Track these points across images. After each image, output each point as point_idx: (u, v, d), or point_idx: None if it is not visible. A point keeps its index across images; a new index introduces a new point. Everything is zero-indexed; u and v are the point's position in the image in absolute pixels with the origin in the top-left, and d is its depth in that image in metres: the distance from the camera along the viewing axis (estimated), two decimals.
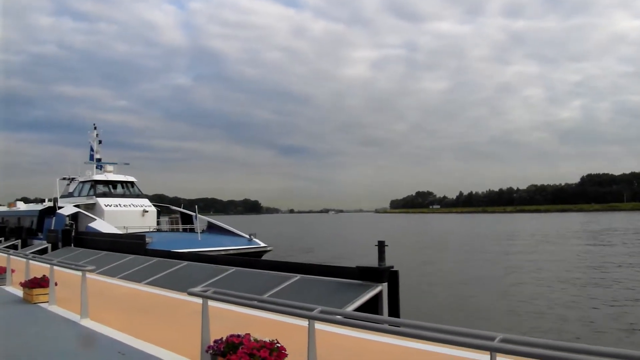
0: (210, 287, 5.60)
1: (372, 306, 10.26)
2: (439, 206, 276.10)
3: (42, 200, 38.76)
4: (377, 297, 10.49)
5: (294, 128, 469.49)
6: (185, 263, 16.20)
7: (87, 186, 32.30)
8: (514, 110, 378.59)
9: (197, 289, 5.52)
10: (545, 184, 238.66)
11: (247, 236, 25.87)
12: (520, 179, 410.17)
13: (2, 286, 12.21)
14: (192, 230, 28.95)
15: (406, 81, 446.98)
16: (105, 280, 14.17)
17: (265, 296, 8.72)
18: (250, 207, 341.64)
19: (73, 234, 25.81)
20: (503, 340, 3.24)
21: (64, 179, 35.39)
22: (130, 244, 21.16)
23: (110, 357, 6.10)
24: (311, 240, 59.21)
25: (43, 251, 25.55)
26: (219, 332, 4.93)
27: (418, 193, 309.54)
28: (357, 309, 9.56)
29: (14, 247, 28.55)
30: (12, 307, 9.87)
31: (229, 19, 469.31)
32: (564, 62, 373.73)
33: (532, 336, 4.54)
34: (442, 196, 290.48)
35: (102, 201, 30.23)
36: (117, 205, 30.38)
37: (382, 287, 10.54)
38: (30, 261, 11.65)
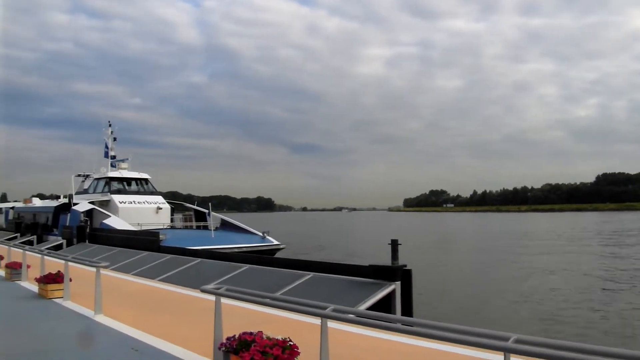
0: (223, 285, 5.60)
1: (385, 305, 10.24)
2: (452, 205, 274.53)
3: (58, 197, 39.32)
4: (390, 296, 10.47)
5: (307, 126, 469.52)
6: (198, 260, 16.28)
7: (102, 183, 32.60)
8: (529, 109, 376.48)
9: (210, 286, 5.53)
10: (560, 182, 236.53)
11: (260, 234, 25.93)
12: (534, 177, 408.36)
13: (17, 281, 12.38)
14: (205, 227, 29.06)
15: (420, 79, 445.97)
16: (119, 276, 14.29)
17: (278, 294, 8.73)
18: (264, 204, 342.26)
19: (88, 230, 26.06)
20: (517, 341, 3.21)
21: (79, 175, 35.76)
22: (144, 241, 21.31)
23: (124, 353, 6.14)
24: (324, 238, 59.14)
25: (58, 247, 25.88)
26: (232, 329, 4.93)
27: (432, 192, 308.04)
28: (370, 308, 9.54)
29: (30, 242, 28.93)
30: (28, 302, 10.00)
31: (243, 17, 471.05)
32: (580, 60, 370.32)
33: (547, 337, 4.49)
34: (455, 195, 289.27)
35: (116, 198, 30.51)
36: (131, 202, 30.61)
37: (395, 286, 10.53)
38: (46, 257, 11.78)
